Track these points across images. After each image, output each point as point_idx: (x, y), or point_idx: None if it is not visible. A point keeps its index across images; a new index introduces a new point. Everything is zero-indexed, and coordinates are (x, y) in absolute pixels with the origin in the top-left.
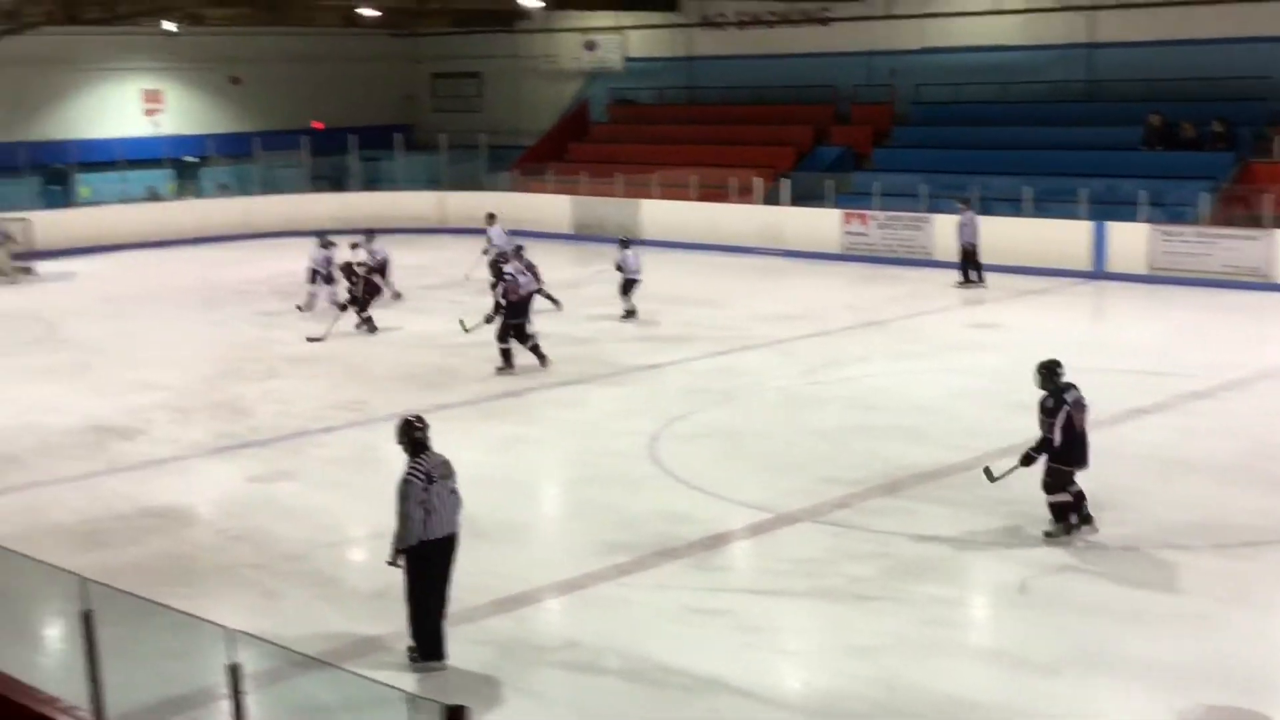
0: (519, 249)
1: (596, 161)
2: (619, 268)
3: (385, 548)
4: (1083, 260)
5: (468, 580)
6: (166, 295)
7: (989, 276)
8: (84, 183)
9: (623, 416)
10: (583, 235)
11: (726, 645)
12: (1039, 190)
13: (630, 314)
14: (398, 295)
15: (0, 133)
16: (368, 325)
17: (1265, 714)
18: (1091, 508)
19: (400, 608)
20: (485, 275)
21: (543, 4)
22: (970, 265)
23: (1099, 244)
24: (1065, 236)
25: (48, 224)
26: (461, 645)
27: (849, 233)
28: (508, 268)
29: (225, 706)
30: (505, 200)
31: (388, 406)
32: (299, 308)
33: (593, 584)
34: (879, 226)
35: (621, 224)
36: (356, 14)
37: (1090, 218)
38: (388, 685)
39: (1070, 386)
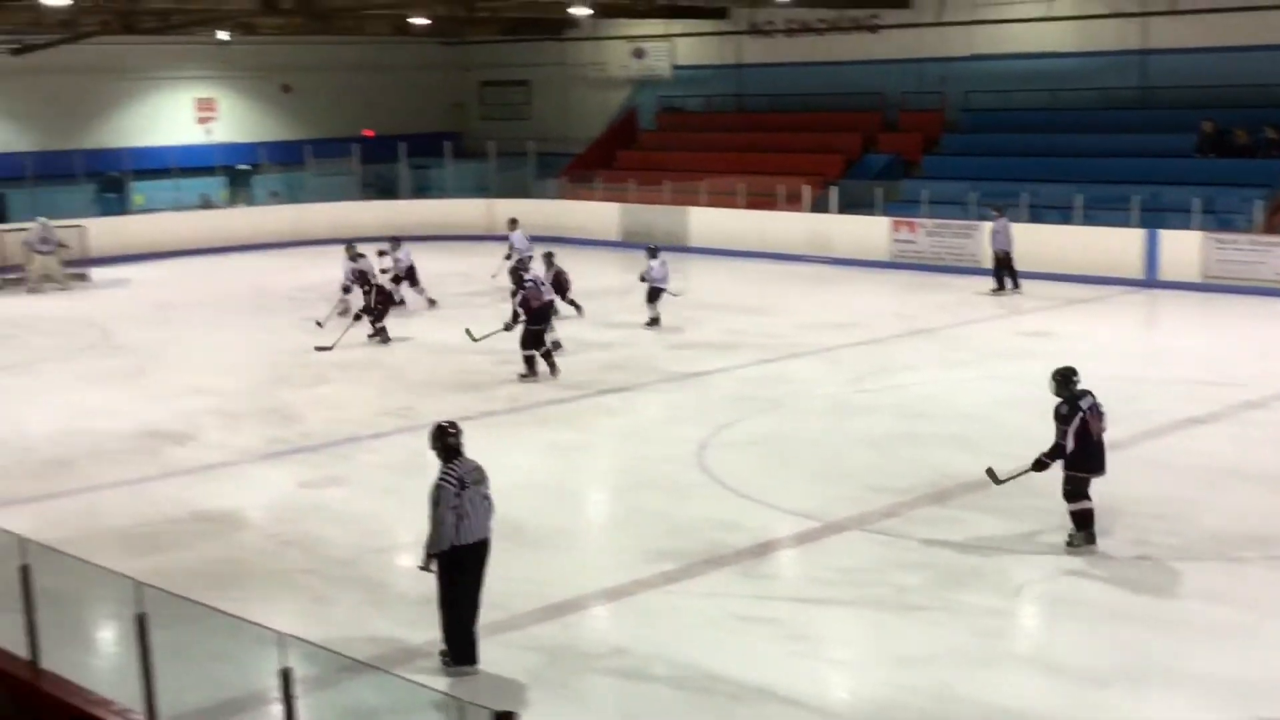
0: (549, 255)
1: (644, 169)
2: (643, 278)
3: None
4: (1134, 268)
5: (515, 587)
6: (218, 302)
7: (1031, 284)
8: (138, 190)
9: (670, 423)
10: (631, 243)
11: (774, 654)
12: (1090, 198)
13: (654, 321)
14: (432, 302)
15: (56, 141)
16: (381, 336)
17: None
18: (1144, 518)
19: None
20: (508, 282)
21: (591, 12)
22: (1005, 272)
23: (1151, 252)
24: (1117, 244)
25: (102, 231)
26: (509, 651)
27: (897, 240)
28: (528, 276)
29: (276, 710)
30: (553, 208)
31: (436, 413)
32: (318, 323)
33: (640, 591)
34: (928, 234)
35: (669, 231)
36: (406, 23)
37: (1142, 225)
38: (438, 691)
39: (1086, 393)
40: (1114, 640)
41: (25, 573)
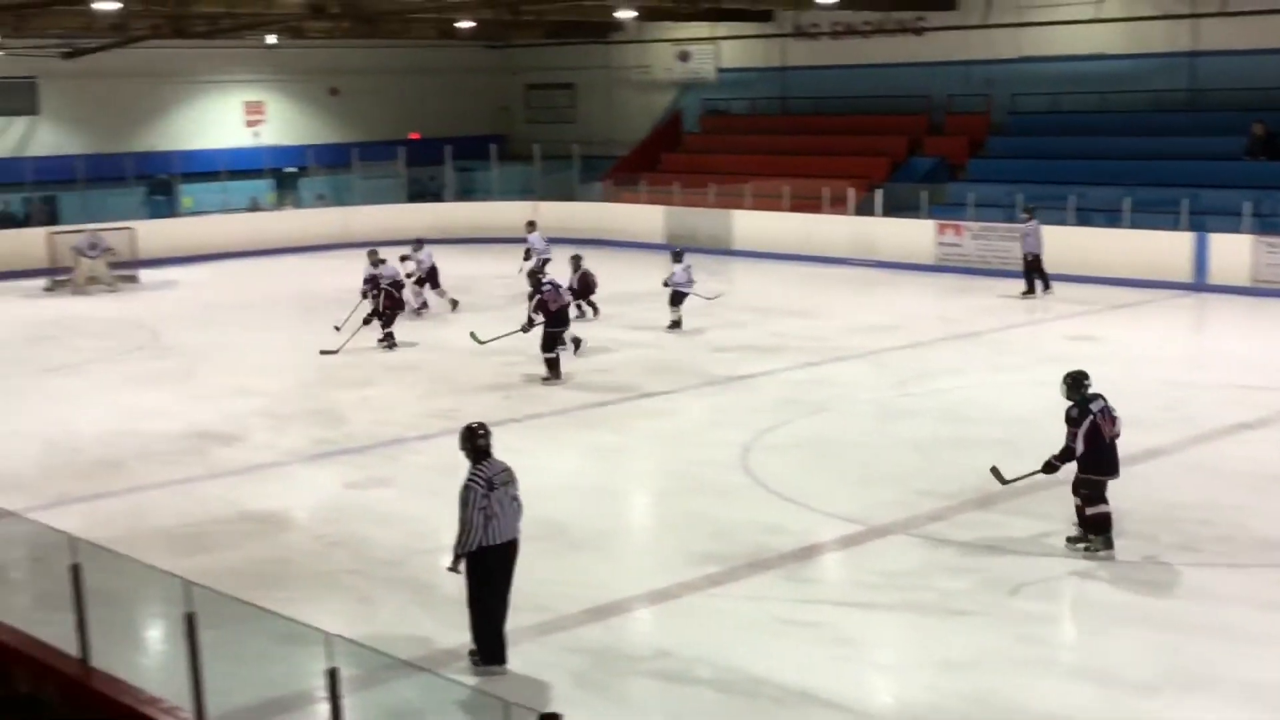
0: (577, 258)
1: (689, 172)
2: (665, 283)
3: None
4: (1184, 272)
5: (559, 589)
6: (265, 303)
7: (1079, 287)
8: (186, 193)
9: (714, 426)
10: (675, 246)
11: (818, 657)
12: (1139, 200)
13: (675, 324)
14: (454, 303)
15: (107, 144)
16: (388, 341)
17: None
18: (1191, 524)
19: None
20: (526, 285)
21: (636, 15)
22: (1036, 274)
23: (1200, 255)
24: (1166, 248)
25: (151, 233)
26: (554, 653)
27: (942, 244)
28: (546, 279)
29: (323, 710)
30: (598, 210)
31: (481, 415)
32: (336, 327)
33: (684, 594)
34: (973, 237)
35: (713, 234)
36: (452, 26)
37: (1191, 229)
38: (484, 692)
39: (1097, 397)
40: (1161, 647)
41: (76, 572)
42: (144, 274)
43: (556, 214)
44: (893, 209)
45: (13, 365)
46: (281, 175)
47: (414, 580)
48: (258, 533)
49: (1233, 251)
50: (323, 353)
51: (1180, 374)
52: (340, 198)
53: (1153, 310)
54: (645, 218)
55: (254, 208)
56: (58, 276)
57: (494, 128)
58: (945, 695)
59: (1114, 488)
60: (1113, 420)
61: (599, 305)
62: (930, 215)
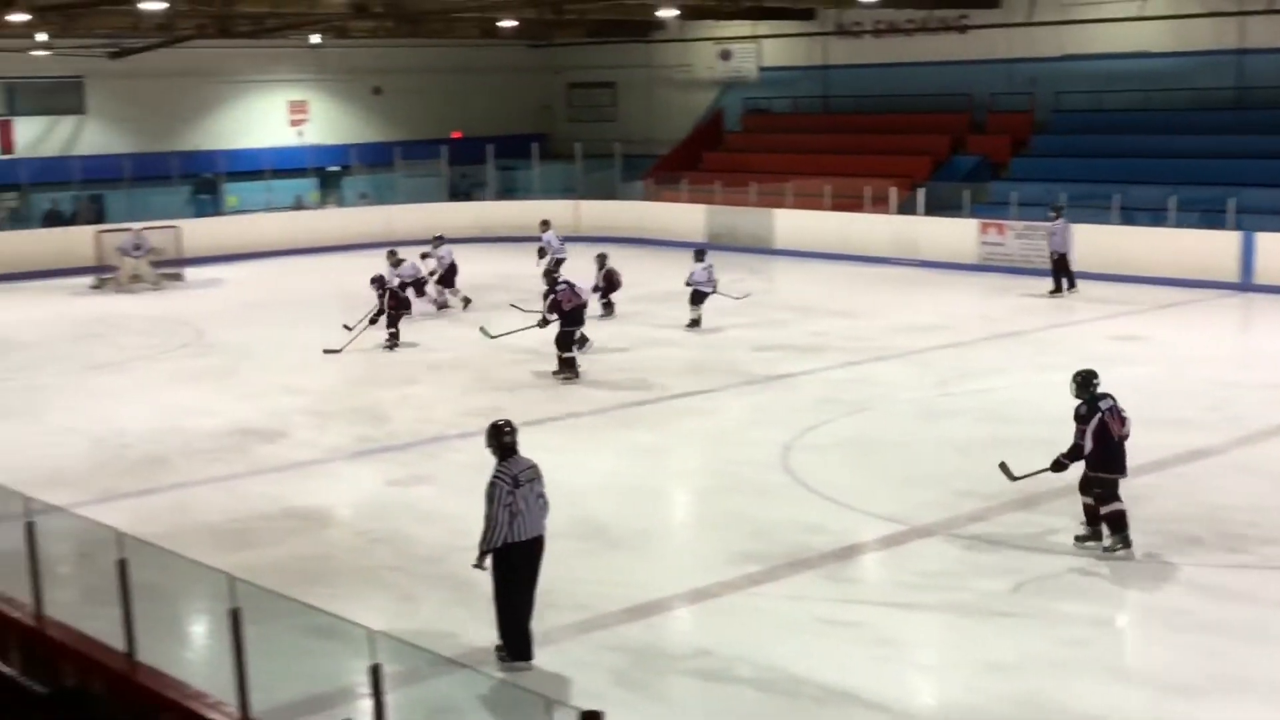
0: (602, 256)
1: (730, 171)
2: (686, 283)
3: None
4: (1230, 271)
5: (599, 588)
6: (308, 302)
7: (1124, 287)
8: (231, 192)
9: (754, 426)
10: (716, 245)
11: (859, 657)
12: (1184, 200)
13: (694, 323)
14: (466, 302)
15: (153, 143)
16: (391, 340)
17: None
18: (1239, 525)
19: (535, 612)
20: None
21: (678, 14)
22: (1062, 273)
23: (1247, 255)
24: (1212, 247)
25: (196, 232)
26: (594, 651)
27: (985, 243)
28: (561, 278)
29: (366, 705)
30: (639, 209)
31: (522, 414)
32: (347, 327)
33: (725, 593)
34: (1016, 236)
35: (754, 233)
36: (495, 25)
37: (1238, 228)
38: (526, 689)
39: (1105, 396)
40: (1207, 650)
41: (123, 567)
42: (189, 272)
43: (598, 213)
44: (935, 208)
45: (60, 363)
46: (325, 174)
47: (455, 577)
48: (300, 529)
49: None
50: (326, 351)
51: (1227, 374)
52: (383, 196)
53: (1198, 310)
54: (686, 217)
55: (298, 207)
56: (104, 275)
57: (536, 127)
58: (987, 696)
59: (1160, 489)
60: (1122, 420)
61: (615, 304)
62: (973, 214)
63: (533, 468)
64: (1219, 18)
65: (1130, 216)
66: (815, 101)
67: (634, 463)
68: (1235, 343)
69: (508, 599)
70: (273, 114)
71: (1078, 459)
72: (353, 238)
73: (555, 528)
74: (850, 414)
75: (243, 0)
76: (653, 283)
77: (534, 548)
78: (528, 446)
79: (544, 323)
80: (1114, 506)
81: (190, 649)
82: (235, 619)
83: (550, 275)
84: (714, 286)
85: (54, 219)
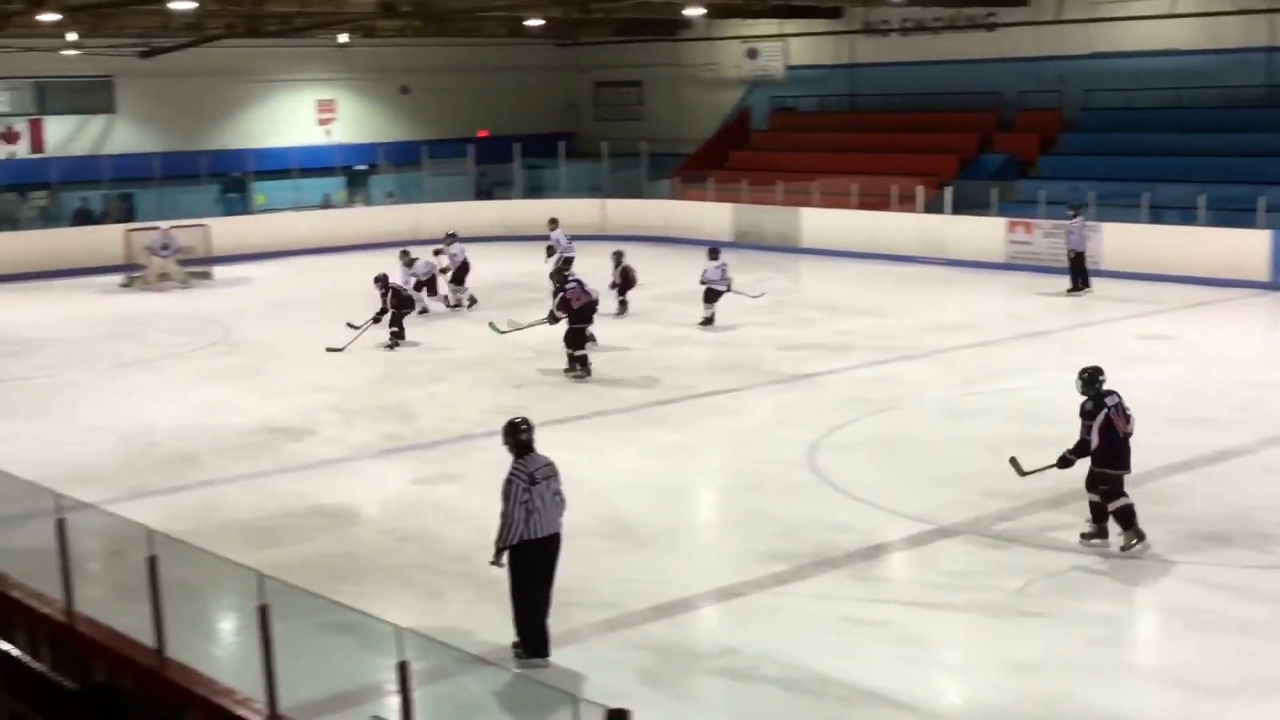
0: (619, 253)
1: (757, 170)
2: (700, 281)
3: None
4: (1260, 271)
5: (625, 586)
6: (336, 300)
7: (1153, 286)
8: (259, 190)
9: (781, 424)
10: (743, 243)
11: (885, 657)
12: (1214, 198)
13: (707, 321)
14: (472, 301)
15: (182, 142)
16: (393, 339)
17: None
18: (1268, 525)
19: (561, 610)
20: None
21: (705, 12)
22: (1076, 271)
23: (1277, 254)
24: (1242, 246)
25: (225, 231)
26: (620, 650)
27: (1013, 241)
28: (571, 276)
29: (393, 702)
30: (665, 208)
31: (549, 412)
32: (353, 326)
33: (750, 592)
34: (1044, 235)
35: (781, 232)
36: (522, 24)
37: (1269, 227)
38: (551, 687)
39: (1111, 393)
40: (1236, 650)
41: (153, 564)
42: (217, 270)
43: (624, 212)
44: (962, 207)
45: (89, 361)
46: (352, 173)
47: (481, 575)
48: (328, 527)
49: None
50: (329, 350)
51: (1256, 373)
52: (409, 195)
53: (1228, 309)
54: (713, 215)
55: (325, 205)
56: (133, 273)
57: (562, 125)
58: (1014, 696)
59: (1188, 489)
60: (1127, 418)
61: (629, 302)
62: (1001, 213)
63: (549, 465)
64: (1249, 15)
65: (1159, 215)
66: (842, 100)
67: (660, 461)
68: (1264, 342)
69: (524, 596)
70: (301, 113)
71: (1084, 455)
72: (380, 236)
73: (581, 526)
74: (877, 413)
75: (271, 0)
76: (679, 281)
77: (551, 545)
78: (554, 445)
79: (553, 319)
80: (1121, 502)
81: (219, 645)
82: (264, 616)
83: (561, 273)
84: (728, 285)
85: (84, 218)
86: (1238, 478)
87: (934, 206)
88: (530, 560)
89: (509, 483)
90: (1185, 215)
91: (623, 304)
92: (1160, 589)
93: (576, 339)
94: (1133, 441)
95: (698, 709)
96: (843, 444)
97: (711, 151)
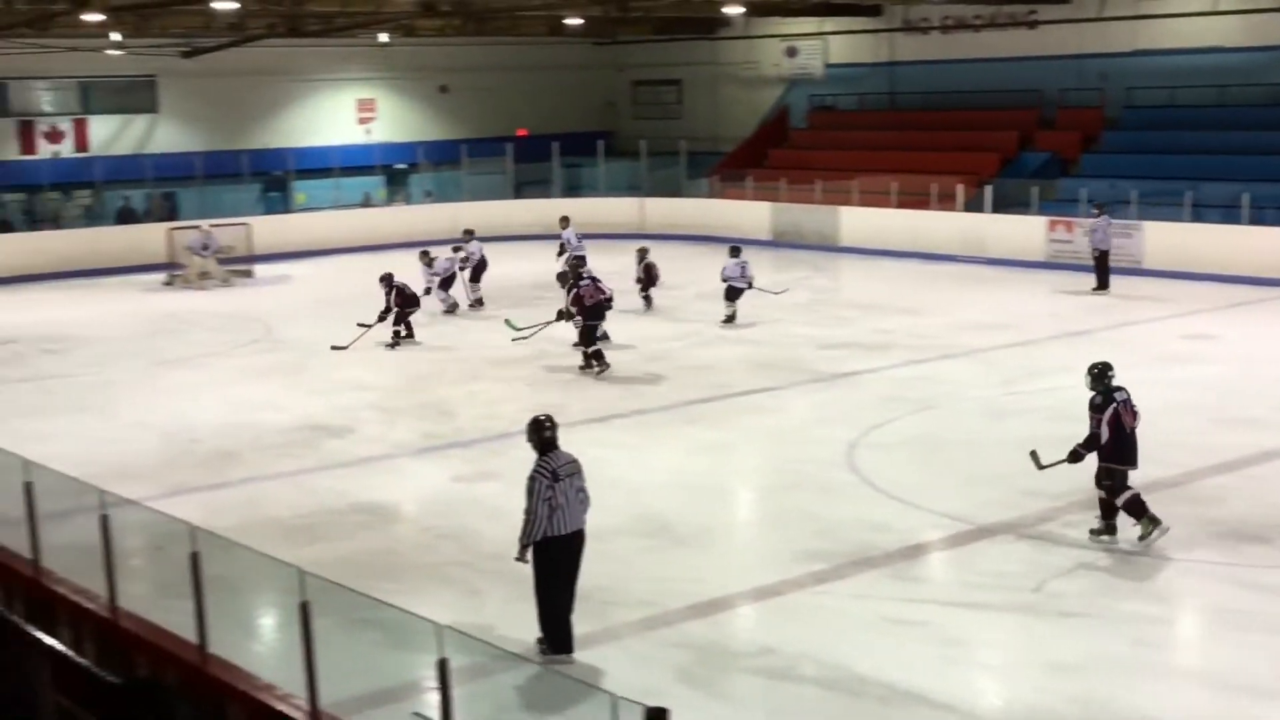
0: (643, 250)
1: (796, 168)
2: (721, 279)
3: (586, 549)
4: None
5: (664, 585)
6: (375, 298)
7: (1195, 285)
8: (300, 189)
9: (819, 423)
10: (781, 242)
11: (924, 657)
12: (1257, 197)
13: (729, 319)
14: (479, 301)
15: (224, 141)
16: (394, 338)
17: None
18: None
19: (599, 609)
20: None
21: (744, 11)
22: (1099, 270)
23: None
24: None
25: (266, 229)
26: (658, 648)
27: (1053, 240)
28: (586, 274)
29: (432, 700)
30: (704, 207)
31: (587, 411)
32: (363, 324)
33: (789, 591)
34: (1085, 234)
35: (820, 231)
36: (561, 23)
37: None
38: (590, 685)
39: (1120, 388)
40: (1277, 651)
41: (195, 560)
42: (258, 269)
43: (662, 210)
44: (1002, 205)
45: (132, 358)
46: (392, 172)
47: (520, 573)
48: (368, 524)
49: None
50: (334, 348)
51: None
52: (449, 194)
53: (1271, 309)
54: (751, 214)
55: (365, 204)
56: (175, 271)
57: (601, 124)
58: (1055, 697)
59: (1231, 490)
60: (1134, 414)
61: (653, 298)
62: (1041, 211)
63: (573, 462)
64: None
65: (1201, 214)
66: (882, 98)
67: (698, 460)
68: None
69: (548, 592)
70: (341, 112)
71: (1094, 449)
72: (419, 235)
73: (619, 524)
74: (916, 412)
75: (312, 0)
76: (718, 281)
77: (574, 542)
78: (592, 443)
79: (568, 316)
80: (1127, 495)
81: (260, 641)
82: (305, 612)
83: (575, 271)
84: (749, 282)
85: (127, 216)
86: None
87: (974, 205)
88: (553, 557)
89: (532, 479)
90: (1228, 214)
91: (647, 299)
92: (1201, 590)
93: (588, 336)
94: (1174, 441)
95: (735, 708)
96: (882, 443)
97: (750, 150)
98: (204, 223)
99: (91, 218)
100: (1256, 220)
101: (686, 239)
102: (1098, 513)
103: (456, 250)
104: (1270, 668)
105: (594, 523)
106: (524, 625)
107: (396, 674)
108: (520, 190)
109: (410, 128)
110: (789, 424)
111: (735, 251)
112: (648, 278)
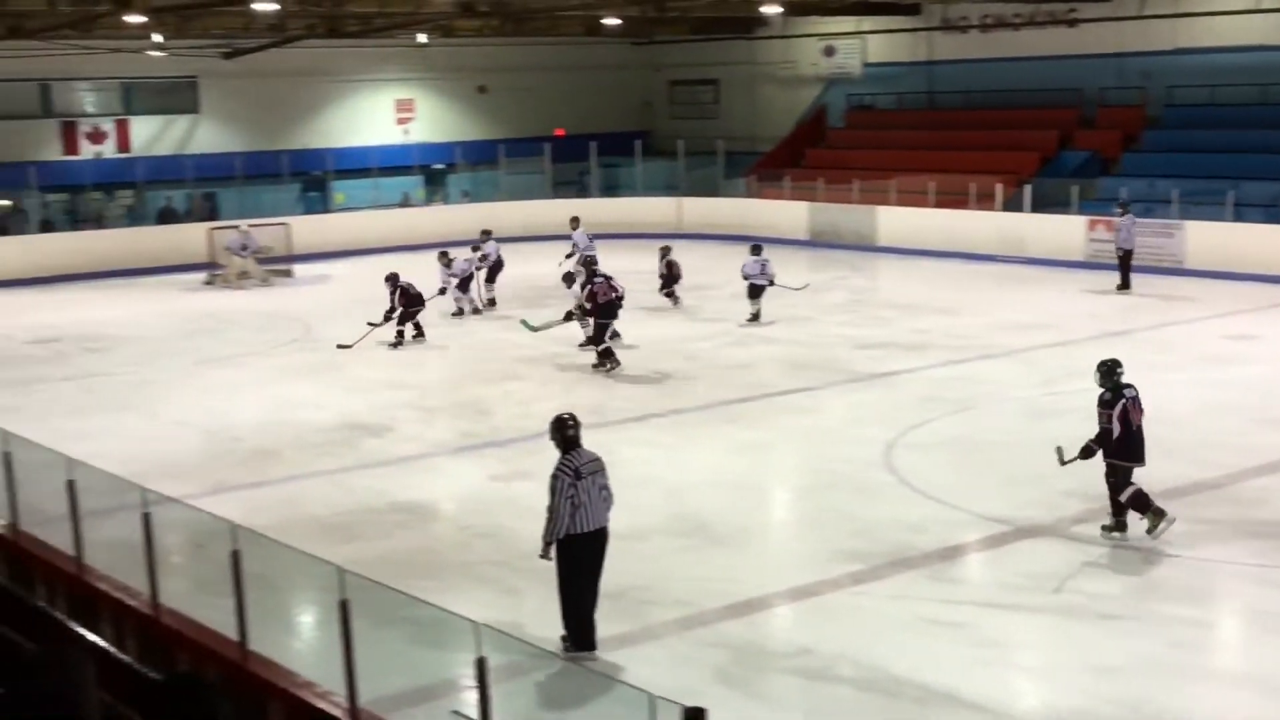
0: (666, 248)
1: (833, 168)
2: (743, 276)
3: (623, 548)
4: None
5: (701, 584)
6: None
7: (1237, 285)
8: (339, 189)
9: (857, 424)
10: (819, 242)
11: (962, 658)
12: None
13: (754, 318)
14: (492, 302)
15: (264, 142)
16: (398, 338)
17: None
18: None
19: (636, 608)
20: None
21: (782, 10)
22: (1122, 269)
23: None
24: None
25: (305, 229)
26: (695, 648)
27: (1093, 240)
28: (599, 272)
29: (470, 698)
30: (741, 206)
31: (623, 411)
32: (372, 323)
33: (827, 591)
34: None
35: (858, 230)
36: (598, 23)
37: None
38: (626, 684)
39: (1129, 385)
40: None
41: (236, 558)
42: (298, 268)
43: (700, 210)
44: (1042, 205)
45: (173, 357)
46: (430, 172)
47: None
48: (405, 523)
49: None
50: (339, 347)
51: None
52: (486, 194)
53: None
54: (789, 214)
55: (404, 204)
56: (216, 271)
57: (638, 124)
58: (1094, 699)
59: (1274, 491)
60: (1141, 410)
61: (679, 295)
62: (1081, 211)
63: (596, 460)
64: None
65: (1243, 213)
66: (920, 98)
67: (736, 460)
68: None
69: (571, 590)
70: (380, 113)
71: (1105, 444)
72: (457, 234)
73: (656, 524)
74: (954, 413)
75: (352, 1)
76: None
77: (597, 539)
78: (629, 442)
79: (581, 312)
80: (1130, 490)
81: (299, 639)
82: (344, 610)
83: (589, 269)
84: (770, 280)
85: (168, 216)
86: None
87: (1013, 204)
88: (576, 554)
89: (555, 477)
90: (1270, 213)
91: (670, 296)
92: (1241, 592)
93: (600, 334)
94: (1215, 442)
95: (772, 708)
96: (920, 443)
97: (788, 150)
98: (243, 223)
99: (133, 218)
100: None
101: (724, 239)
102: (1109, 510)
103: (475, 250)
104: None
105: (631, 522)
106: (560, 624)
107: (434, 672)
108: (558, 190)
109: (448, 128)
110: (827, 424)
111: (756, 249)
112: (669, 275)
